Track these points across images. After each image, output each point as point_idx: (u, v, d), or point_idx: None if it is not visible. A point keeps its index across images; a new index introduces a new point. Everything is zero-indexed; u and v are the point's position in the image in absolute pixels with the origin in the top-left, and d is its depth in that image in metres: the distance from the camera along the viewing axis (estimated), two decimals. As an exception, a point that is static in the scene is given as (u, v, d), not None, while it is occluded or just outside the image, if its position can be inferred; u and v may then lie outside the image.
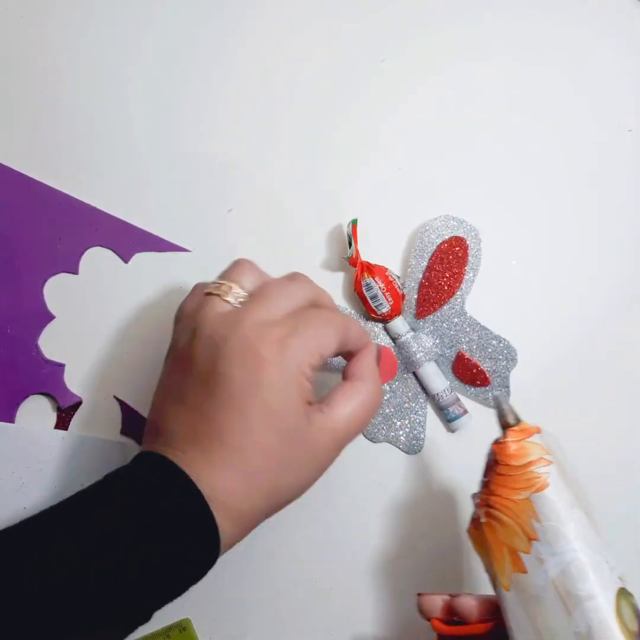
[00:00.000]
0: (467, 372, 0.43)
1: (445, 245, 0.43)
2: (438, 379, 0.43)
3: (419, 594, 0.35)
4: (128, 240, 0.45)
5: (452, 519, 0.44)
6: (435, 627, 0.33)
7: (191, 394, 0.33)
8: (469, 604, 0.33)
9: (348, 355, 0.37)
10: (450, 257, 0.43)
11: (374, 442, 0.43)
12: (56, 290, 0.45)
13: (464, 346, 0.43)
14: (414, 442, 0.43)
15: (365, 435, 0.44)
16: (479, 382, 0.43)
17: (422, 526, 0.44)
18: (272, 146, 0.46)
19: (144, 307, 0.45)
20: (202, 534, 0.31)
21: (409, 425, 0.43)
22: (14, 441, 0.44)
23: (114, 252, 0.46)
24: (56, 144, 0.47)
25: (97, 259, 0.46)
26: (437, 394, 0.43)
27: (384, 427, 0.43)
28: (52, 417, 0.45)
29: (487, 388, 0.43)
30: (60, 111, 0.47)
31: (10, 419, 0.44)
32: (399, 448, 0.44)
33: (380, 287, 0.42)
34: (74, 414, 0.45)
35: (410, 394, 0.43)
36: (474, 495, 0.33)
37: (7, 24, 0.48)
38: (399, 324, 0.43)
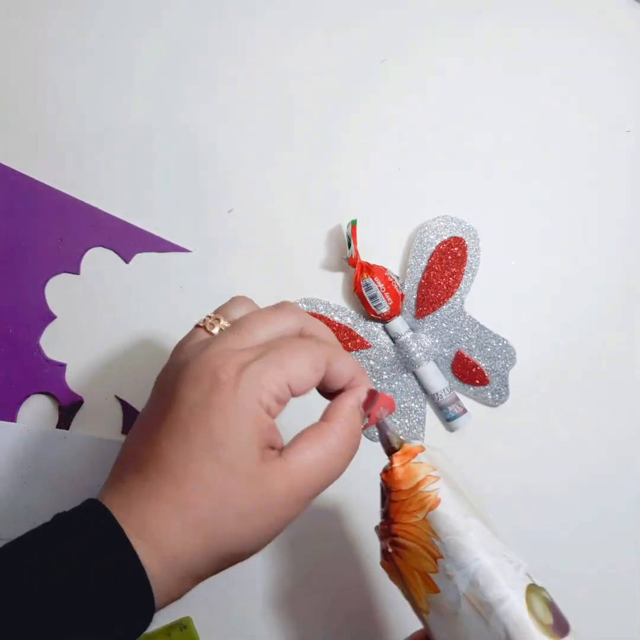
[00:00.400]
0: (467, 372, 0.43)
1: (444, 245, 0.43)
2: (437, 379, 0.43)
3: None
4: (129, 241, 0.46)
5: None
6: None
7: (149, 420, 0.31)
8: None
9: (335, 393, 0.33)
10: (449, 257, 0.43)
11: (374, 440, 0.44)
12: (58, 291, 0.45)
13: (463, 346, 0.43)
14: (413, 440, 0.43)
15: (365, 435, 0.44)
16: (478, 382, 0.43)
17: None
18: (273, 147, 0.46)
19: (145, 307, 0.45)
20: (132, 593, 0.27)
21: (408, 424, 0.43)
22: (15, 440, 0.44)
23: (115, 252, 0.46)
24: (58, 144, 0.47)
25: (98, 259, 0.46)
26: (437, 394, 0.43)
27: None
28: (54, 417, 0.45)
29: (487, 387, 0.43)
30: (62, 112, 0.47)
31: (12, 418, 0.44)
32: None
33: (379, 287, 0.42)
34: (75, 413, 0.45)
35: (409, 394, 0.43)
36: (377, 528, 0.32)
37: (8, 24, 0.48)
38: (398, 324, 0.43)
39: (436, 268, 0.43)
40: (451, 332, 0.43)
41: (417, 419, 0.43)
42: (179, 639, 0.43)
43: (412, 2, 0.47)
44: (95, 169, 0.46)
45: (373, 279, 0.42)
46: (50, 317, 0.45)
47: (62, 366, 0.45)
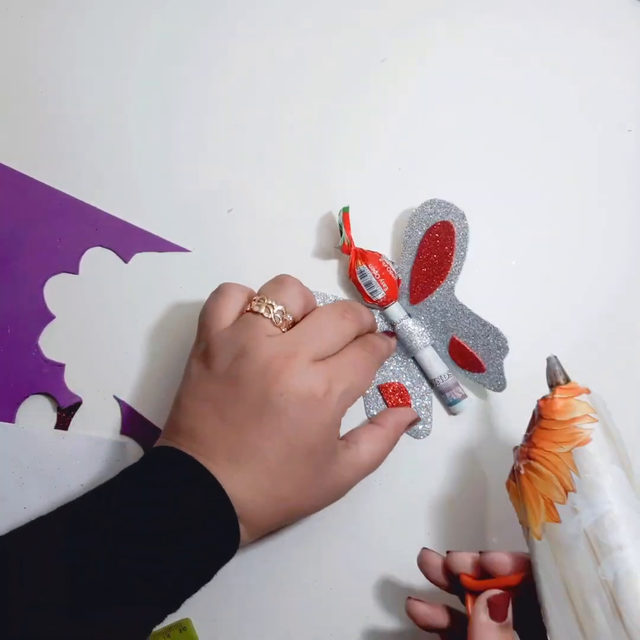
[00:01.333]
0: (462, 358, 0.43)
1: (433, 230, 0.43)
2: (436, 364, 0.43)
3: (448, 552, 0.36)
4: (128, 240, 0.45)
5: (453, 515, 0.44)
6: (465, 581, 0.34)
7: (236, 414, 0.35)
8: (502, 558, 0.33)
9: None
10: (438, 242, 0.43)
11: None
12: (56, 290, 0.45)
13: (457, 332, 0.43)
14: (421, 426, 0.43)
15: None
16: (475, 369, 0.43)
17: (422, 524, 0.44)
18: (272, 145, 0.46)
19: (144, 307, 0.45)
20: (227, 539, 0.34)
21: (415, 410, 0.43)
22: (14, 441, 0.44)
23: (114, 252, 0.46)
24: (56, 144, 0.47)
25: (97, 259, 0.45)
26: (436, 379, 0.43)
27: None
28: (52, 417, 0.45)
29: (483, 374, 0.43)
30: (61, 111, 0.47)
31: (11, 418, 0.44)
32: (407, 433, 0.43)
33: (374, 274, 0.42)
34: (74, 413, 0.45)
35: (413, 379, 0.43)
36: (516, 448, 0.34)
37: (8, 24, 0.48)
38: (395, 310, 0.43)
39: (426, 254, 0.43)
40: (444, 319, 0.43)
41: (423, 404, 0.43)
42: (178, 641, 0.42)
43: (412, 2, 0.47)
44: (94, 169, 0.46)
45: (367, 265, 0.42)
46: (49, 317, 0.45)
47: (61, 366, 0.45)
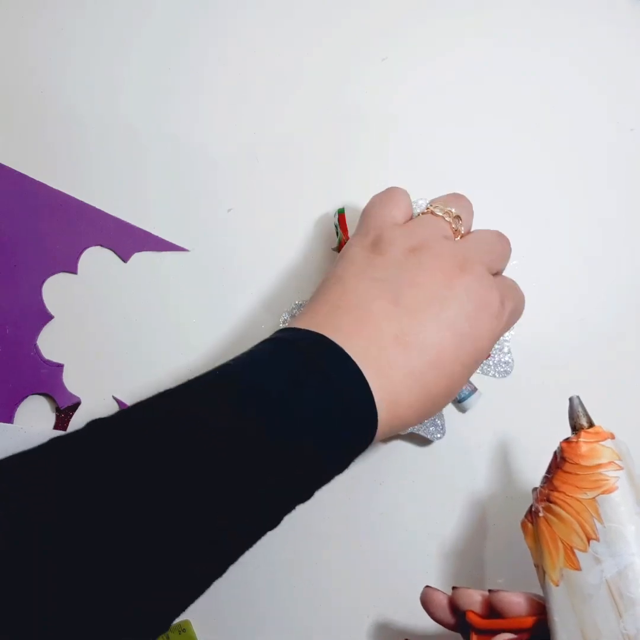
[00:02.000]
0: None
1: None
2: None
3: (454, 588, 0.35)
4: (127, 240, 0.45)
5: (454, 514, 0.43)
6: (472, 620, 0.33)
7: (413, 298, 0.33)
8: (515, 599, 0.33)
9: None
10: None
11: (401, 434, 0.43)
12: (55, 290, 0.45)
13: None
14: (438, 430, 0.43)
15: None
16: None
17: (423, 524, 0.43)
18: (272, 145, 0.46)
19: (143, 307, 0.45)
20: (365, 425, 0.31)
21: None
22: (12, 441, 0.44)
23: (113, 251, 0.45)
24: (55, 143, 0.47)
25: (96, 259, 0.45)
26: None
27: None
28: (51, 418, 0.45)
29: (487, 362, 0.43)
30: (60, 111, 0.47)
31: (9, 419, 0.44)
32: (422, 435, 0.43)
33: None
34: (72, 414, 0.45)
35: None
36: (535, 490, 0.33)
37: (7, 24, 0.48)
38: None
39: None
40: None
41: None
42: (176, 642, 0.42)
43: (413, 1, 0.47)
44: (93, 168, 0.46)
45: None
46: (48, 317, 0.45)
47: (60, 367, 0.45)
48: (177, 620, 0.42)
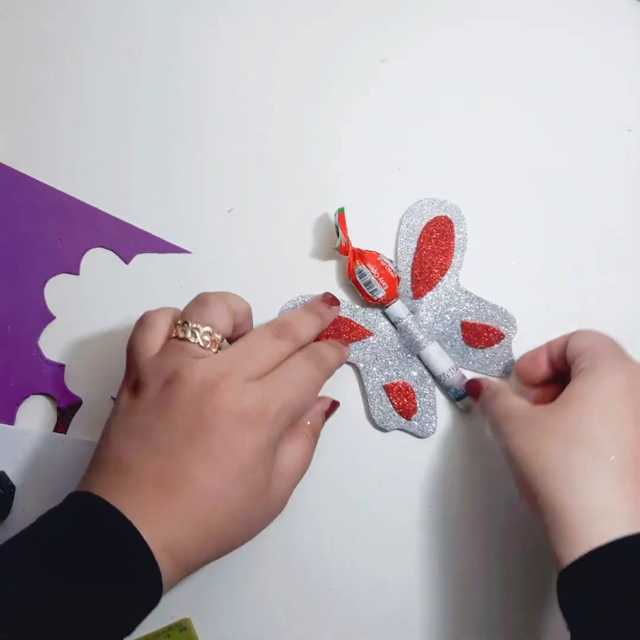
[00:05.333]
0: (481, 336, 0.43)
1: (430, 225, 0.44)
2: (442, 360, 0.43)
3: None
4: (129, 241, 0.45)
5: (455, 516, 0.44)
6: None
7: (167, 440, 0.33)
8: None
9: None
10: (437, 236, 0.44)
11: (387, 430, 0.43)
12: (57, 291, 0.45)
13: (465, 318, 0.43)
14: (427, 425, 0.43)
15: (377, 426, 0.43)
16: (495, 340, 0.43)
17: (423, 524, 0.44)
18: (271, 146, 0.46)
19: (145, 308, 0.45)
20: (146, 582, 0.31)
21: (419, 408, 0.43)
22: (13, 443, 0.44)
23: (114, 253, 0.46)
24: (57, 144, 0.47)
25: (97, 260, 0.46)
26: (442, 374, 0.43)
27: (395, 415, 0.43)
28: (52, 418, 0.45)
29: (503, 342, 0.43)
30: (61, 112, 0.47)
31: (10, 418, 0.44)
32: (412, 433, 0.43)
33: (373, 273, 0.42)
34: (73, 414, 0.45)
35: (416, 377, 0.43)
36: None
37: (7, 24, 0.48)
38: (398, 308, 0.43)
39: (425, 248, 0.44)
40: (451, 308, 0.43)
41: (427, 402, 0.43)
42: (178, 641, 0.43)
43: (412, 2, 0.47)
44: (95, 169, 0.46)
45: (366, 265, 0.42)
46: (49, 318, 0.45)
47: (61, 367, 0.45)
48: (177, 619, 0.43)
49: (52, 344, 0.45)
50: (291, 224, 0.46)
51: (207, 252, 0.46)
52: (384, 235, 0.45)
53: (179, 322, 0.36)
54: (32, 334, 0.45)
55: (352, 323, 0.44)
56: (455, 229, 0.44)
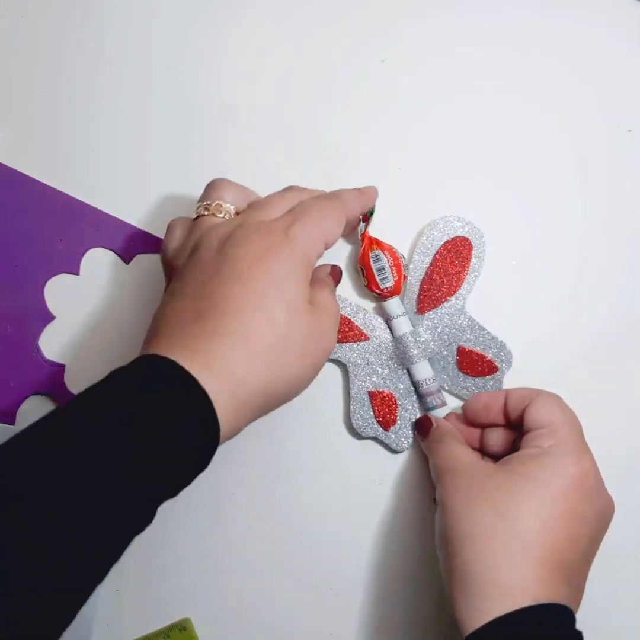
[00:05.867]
0: (475, 365, 0.43)
1: (450, 244, 0.43)
2: (424, 367, 0.43)
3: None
4: (129, 241, 0.45)
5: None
6: None
7: (195, 284, 0.33)
8: None
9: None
10: (453, 256, 0.43)
11: (363, 435, 0.43)
12: (57, 291, 0.45)
13: (464, 343, 0.43)
14: (402, 439, 0.43)
15: (353, 430, 0.43)
16: (487, 372, 0.43)
17: (422, 523, 0.44)
18: (271, 146, 0.46)
19: (145, 308, 0.45)
20: (201, 422, 0.30)
21: (399, 422, 0.43)
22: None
23: (115, 253, 0.46)
24: (57, 144, 0.47)
25: (98, 260, 0.46)
26: (421, 381, 0.43)
27: (374, 423, 0.43)
28: (53, 418, 0.45)
29: (495, 375, 0.43)
30: (62, 111, 0.47)
31: (11, 419, 0.44)
32: (386, 444, 0.43)
33: (388, 261, 0.42)
34: (74, 414, 0.45)
35: (402, 390, 0.43)
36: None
37: (7, 24, 0.48)
38: (395, 304, 0.43)
39: (440, 266, 0.43)
40: (452, 331, 0.43)
41: (407, 417, 0.43)
42: (178, 641, 0.43)
43: (412, 1, 0.47)
44: (96, 169, 0.46)
45: (383, 252, 0.42)
46: (50, 318, 0.45)
47: (61, 367, 0.45)
48: (177, 619, 0.43)
49: (52, 344, 0.45)
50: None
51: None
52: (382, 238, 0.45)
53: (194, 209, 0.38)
54: (32, 334, 0.45)
55: (351, 323, 0.44)
56: (473, 253, 0.43)
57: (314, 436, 0.44)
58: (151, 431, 0.28)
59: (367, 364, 0.43)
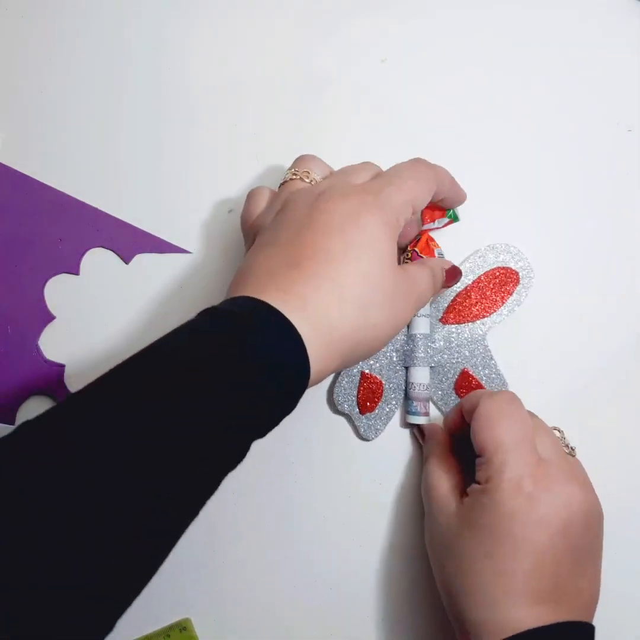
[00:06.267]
0: (469, 391, 0.43)
1: (499, 271, 0.43)
2: (423, 373, 0.43)
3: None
4: (129, 241, 0.45)
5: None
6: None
7: (287, 235, 0.34)
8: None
9: (440, 202, 0.40)
10: (497, 283, 0.43)
11: (338, 409, 0.43)
12: (57, 291, 0.45)
13: (469, 368, 0.43)
14: (371, 430, 0.43)
15: (331, 401, 0.43)
16: None
17: (421, 523, 0.44)
18: (271, 145, 0.46)
19: (145, 308, 0.45)
20: (294, 366, 0.30)
21: (376, 412, 0.43)
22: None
23: (114, 253, 0.46)
24: (58, 144, 0.47)
25: (98, 260, 0.46)
26: (414, 383, 0.43)
27: (353, 401, 0.43)
28: (53, 418, 0.45)
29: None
30: (62, 111, 0.47)
31: (11, 419, 0.44)
32: (355, 427, 0.43)
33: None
34: (74, 414, 0.45)
35: (393, 385, 0.43)
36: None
37: (7, 24, 0.48)
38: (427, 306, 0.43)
39: (481, 286, 0.43)
40: (464, 351, 0.43)
41: (385, 412, 0.43)
42: (178, 641, 0.43)
43: (412, 1, 0.47)
44: (95, 169, 0.46)
45: (438, 248, 0.43)
46: (49, 318, 0.45)
47: (61, 367, 0.45)
48: (177, 619, 0.43)
49: (52, 344, 0.45)
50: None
51: (207, 252, 0.46)
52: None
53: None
54: (32, 334, 0.45)
55: None
56: (517, 289, 0.43)
57: (313, 436, 0.44)
58: (246, 371, 0.28)
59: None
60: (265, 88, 0.47)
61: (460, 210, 0.43)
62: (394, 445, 0.44)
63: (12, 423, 0.44)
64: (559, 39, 0.46)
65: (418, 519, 0.43)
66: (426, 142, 0.46)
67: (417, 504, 0.44)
